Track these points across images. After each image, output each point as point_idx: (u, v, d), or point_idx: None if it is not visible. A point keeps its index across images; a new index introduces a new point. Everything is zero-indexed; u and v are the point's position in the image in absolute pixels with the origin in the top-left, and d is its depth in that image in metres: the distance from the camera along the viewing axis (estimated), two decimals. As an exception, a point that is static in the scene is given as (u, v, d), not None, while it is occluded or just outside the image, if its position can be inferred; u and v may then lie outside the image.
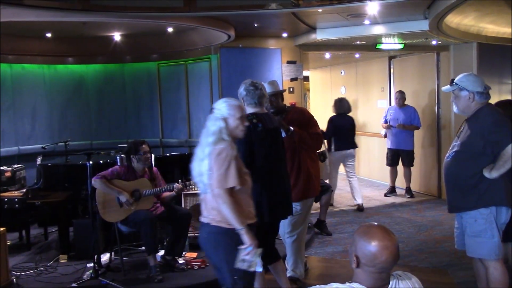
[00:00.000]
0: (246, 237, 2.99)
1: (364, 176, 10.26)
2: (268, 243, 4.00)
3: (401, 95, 8.38)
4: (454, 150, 3.67)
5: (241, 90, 3.88)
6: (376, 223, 2.05)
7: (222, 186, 2.99)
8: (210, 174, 3.04)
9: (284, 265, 4.44)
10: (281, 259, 4.17)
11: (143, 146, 5.04)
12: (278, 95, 4.65)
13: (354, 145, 7.84)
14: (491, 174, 3.43)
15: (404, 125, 8.20)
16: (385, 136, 8.66)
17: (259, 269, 3.08)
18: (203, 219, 3.21)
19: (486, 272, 3.62)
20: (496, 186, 3.47)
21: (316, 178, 4.72)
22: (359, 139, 10.37)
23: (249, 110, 3.86)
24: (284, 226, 4.57)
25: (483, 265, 3.64)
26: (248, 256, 2.98)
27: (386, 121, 8.51)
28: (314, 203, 6.69)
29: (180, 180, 5.08)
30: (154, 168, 5.26)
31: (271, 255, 4.05)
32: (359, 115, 10.37)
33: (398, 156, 8.46)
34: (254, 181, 3.58)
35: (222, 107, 3.18)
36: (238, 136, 3.21)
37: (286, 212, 4.01)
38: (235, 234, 3.01)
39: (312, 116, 4.77)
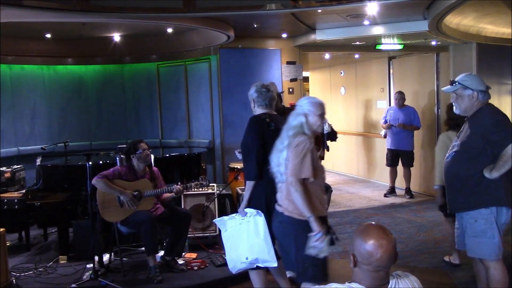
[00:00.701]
0: (314, 225, 3.11)
1: (364, 177, 10.26)
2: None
3: (401, 96, 8.37)
4: (454, 150, 3.67)
5: (252, 92, 4.03)
6: (374, 223, 2.07)
7: (295, 175, 3.17)
8: (286, 164, 3.24)
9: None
10: (281, 259, 4.18)
11: (142, 144, 5.05)
12: (277, 96, 4.68)
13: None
14: (491, 174, 3.43)
15: (404, 124, 8.19)
16: (385, 136, 8.66)
17: (325, 253, 3.18)
18: (278, 207, 3.39)
19: (486, 273, 3.61)
20: (497, 186, 3.46)
21: None
22: (360, 140, 10.39)
23: (259, 111, 4.02)
24: None
25: (484, 265, 3.63)
26: (317, 243, 3.10)
27: (385, 122, 8.50)
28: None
29: (179, 182, 5.09)
30: (155, 168, 5.26)
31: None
32: (358, 115, 10.38)
33: (398, 156, 8.46)
34: (265, 178, 3.77)
35: (304, 103, 3.36)
36: (317, 132, 3.38)
37: None
38: (306, 224, 3.15)
39: None
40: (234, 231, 3.91)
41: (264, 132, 3.85)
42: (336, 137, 6.95)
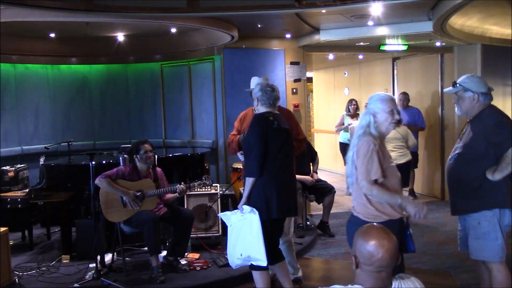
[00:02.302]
0: (409, 207, 3.03)
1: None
2: (272, 241, 4.03)
3: (405, 97, 8.37)
4: (456, 152, 3.66)
5: (257, 90, 4.07)
6: (375, 224, 2.06)
7: (366, 178, 3.06)
8: (354, 165, 3.15)
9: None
10: (285, 260, 4.19)
11: (145, 145, 5.05)
12: None
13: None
14: (494, 176, 3.41)
15: (408, 125, 8.17)
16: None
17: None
18: (353, 209, 3.30)
19: (489, 275, 3.59)
20: (499, 188, 3.44)
21: None
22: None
23: (262, 109, 4.06)
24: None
25: (487, 268, 3.61)
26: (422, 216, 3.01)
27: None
28: (317, 204, 6.75)
29: (183, 182, 5.09)
30: (158, 169, 5.26)
31: (275, 255, 4.07)
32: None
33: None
34: (265, 176, 3.86)
35: (372, 101, 3.26)
36: (389, 129, 3.24)
37: (292, 210, 4.08)
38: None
39: (297, 120, 4.86)
40: (236, 226, 3.95)
41: (267, 130, 3.90)
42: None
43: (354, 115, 8.71)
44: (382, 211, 3.08)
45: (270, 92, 4.03)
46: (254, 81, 4.72)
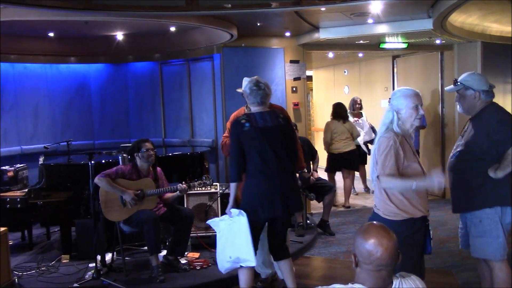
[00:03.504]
0: (424, 185, 3.02)
1: (368, 176, 10.19)
2: (274, 239, 4.05)
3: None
4: (458, 149, 3.64)
5: (245, 88, 4.03)
6: (375, 222, 2.05)
7: (381, 173, 3.04)
8: (375, 161, 3.14)
9: (271, 267, 4.44)
10: (291, 257, 4.17)
11: (146, 143, 5.03)
12: None
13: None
14: (496, 174, 3.40)
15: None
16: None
17: None
18: (374, 207, 3.27)
19: (490, 273, 3.58)
20: (501, 186, 3.43)
21: None
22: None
23: (252, 108, 4.02)
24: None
25: (488, 266, 3.60)
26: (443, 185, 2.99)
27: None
28: (317, 203, 6.73)
29: (183, 182, 5.07)
30: (158, 169, 5.24)
31: (279, 251, 4.08)
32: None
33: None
34: (250, 178, 3.84)
35: (396, 98, 3.18)
36: (414, 125, 3.17)
37: (288, 209, 3.97)
38: (390, 225, 2.95)
39: (290, 119, 4.62)
40: (225, 231, 3.93)
41: (238, 133, 3.88)
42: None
43: (358, 114, 8.66)
44: (402, 209, 3.05)
45: (256, 91, 3.95)
46: (245, 83, 4.62)
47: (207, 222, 4.16)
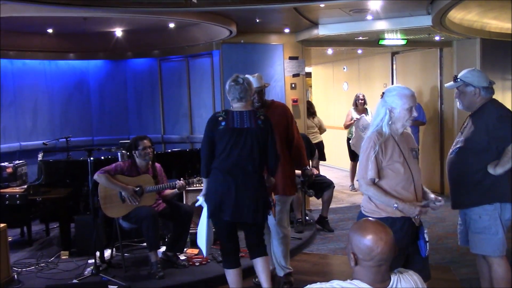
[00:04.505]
0: (405, 209, 2.96)
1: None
2: (248, 239, 4.02)
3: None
4: (457, 146, 3.64)
5: (226, 86, 3.95)
6: (370, 218, 2.05)
7: (362, 177, 3.03)
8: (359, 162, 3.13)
9: (270, 262, 4.32)
10: (268, 256, 4.07)
11: (144, 141, 5.02)
12: (263, 89, 4.57)
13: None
14: (495, 170, 3.40)
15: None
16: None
17: None
18: (361, 208, 3.21)
19: (489, 269, 3.59)
20: (501, 182, 3.43)
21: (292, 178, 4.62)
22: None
23: (234, 105, 3.93)
24: (272, 227, 4.49)
25: (487, 262, 3.61)
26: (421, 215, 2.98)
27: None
28: (316, 199, 6.74)
29: (182, 178, 5.07)
30: (157, 165, 5.24)
31: (253, 249, 4.00)
32: (361, 111, 10.35)
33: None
34: (217, 176, 3.81)
35: (391, 95, 3.08)
36: (406, 125, 3.10)
37: (250, 216, 3.83)
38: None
39: (293, 117, 4.65)
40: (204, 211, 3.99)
41: (212, 131, 3.81)
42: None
43: (362, 109, 8.62)
44: (381, 208, 3.02)
45: (234, 86, 3.85)
46: (254, 81, 4.46)
47: (196, 204, 4.13)
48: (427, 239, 3.06)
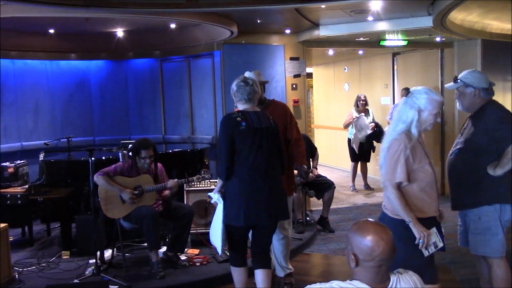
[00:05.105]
0: (414, 229, 2.92)
1: (369, 174, 10.22)
2: (255, 246, 3.92)
3: (407, 92, 8.34)
4: (457, 147, 3.65)
5: (233, 86, 3.85)
6: (369, 219, 2.06)
7: (389, 180, 2.99)
8: (382, 165, 3.07)
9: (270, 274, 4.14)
10: (270, 270, 4.00)
11: (148, 150, 4.95)
12: (263, 86, 4.53)
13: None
14: (495, 171, 3.41)
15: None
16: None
17: (440, 244, 3.02)
18: (383, 206, 3.18)
19: (489, 270, 3.60)
20: (500, 183, 3.44)
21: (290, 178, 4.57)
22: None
23: (239, 106, 3.85)
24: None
25: (487, 263, 3.61)
26: (424, 244, 2.94)
27: (392, 118, 8.50)
28: (317, 200, 6.75)
29: (176, 179, 5.07)
30: (159, 165, 5.24)
31: (259, 258, 3.91)
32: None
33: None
34: (236, 179, 3.67)
35: (422, 98, 3.04)
36: (427, 130, 3.10)
37: (276, 217, 3.80)
38: (399, 224, 2.96)
39: (293, 116, 4.58)
40: (218, 210, 3.88)
41: (233, 132, 3.66)
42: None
43: (363, 110, 8.64)
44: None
45: (244, 87, 3.75)
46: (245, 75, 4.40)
47: (208, 194, 4.03)
48: (443, 234, 3.07)
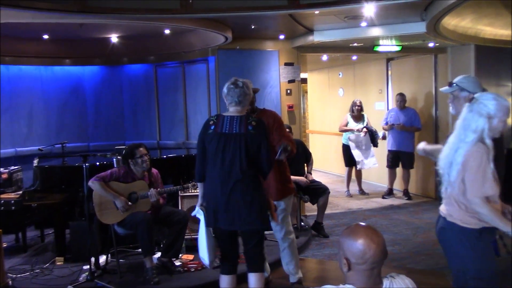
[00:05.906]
0: None
1: (363, 179, 10.24)
2: (244, 250, 3.92)
3: (402, 98, 8.45)
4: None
5: (224, 88, 3.84)
6: (359, 223, 2.07)
7: (478, 194, 2.79)
8: (459, 174, 2.86)
9: (264, 277, 4.14)
10: (263, 273, 3.96)
11: (140, 149, 5.02)
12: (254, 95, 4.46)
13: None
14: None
15: (403, 125, 8.28)
16: (384, 138, 8.69)
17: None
18: (441, 211, 3.09)
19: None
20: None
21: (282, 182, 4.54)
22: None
23: (230, 109, 3.85)
24: (277, 229, 4.53)
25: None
26: None
27: (386, 123, 8.55)
28: (312, 205, 6.75)
29: (157, 188, 5.06)
30: (154, 171, 5.24)
31: (249, 261, 3.91)
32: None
33: (399, 158, 8.50)
34: (208, 182, 3.79)
35: (490, 104, 2.85)
36: (494, 136, 2.87)
37: (240, 224, 3.72)
38: (470, 233, 2.88)
39: (282, 123, 4.50)
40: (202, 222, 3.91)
41: (204, 134, 3.80)
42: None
43: (359, 116, 8.67)
44: (480, 219, 2.87)
45: (234, 89, 3.74)
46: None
47: (192, 214, 4.02)
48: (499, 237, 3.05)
